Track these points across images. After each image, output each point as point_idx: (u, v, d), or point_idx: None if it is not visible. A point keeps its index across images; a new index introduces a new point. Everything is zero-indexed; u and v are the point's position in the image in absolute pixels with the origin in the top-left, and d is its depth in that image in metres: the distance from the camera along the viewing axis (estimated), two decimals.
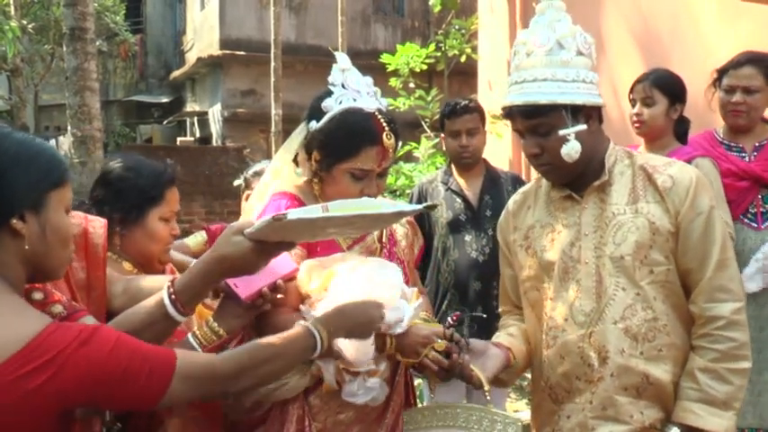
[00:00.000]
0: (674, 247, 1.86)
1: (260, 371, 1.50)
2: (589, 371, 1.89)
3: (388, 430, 2.03)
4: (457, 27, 8.79)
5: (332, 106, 1.97)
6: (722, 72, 3.05)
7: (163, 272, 2.20)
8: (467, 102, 3.66)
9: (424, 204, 1.70)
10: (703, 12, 5.15)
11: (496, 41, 7.46)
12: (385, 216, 1.66)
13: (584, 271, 1.91)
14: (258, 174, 3.18)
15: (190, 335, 1.75)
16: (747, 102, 2.96)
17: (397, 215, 1.72)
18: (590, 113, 1.90)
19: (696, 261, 1.85)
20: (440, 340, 1.92)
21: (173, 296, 1.53)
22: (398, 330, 1.88)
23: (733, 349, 1.81)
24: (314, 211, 1.59)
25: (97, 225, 1.86)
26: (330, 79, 2.02)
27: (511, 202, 2.18)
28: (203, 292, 1.59)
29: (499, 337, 2.09)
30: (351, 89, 1.99)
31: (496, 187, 3.67)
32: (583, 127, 1.85)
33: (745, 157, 3.02)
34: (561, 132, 1.84)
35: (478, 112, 3.65)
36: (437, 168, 4.15)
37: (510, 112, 1.93)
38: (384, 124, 1.96)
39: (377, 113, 1.97)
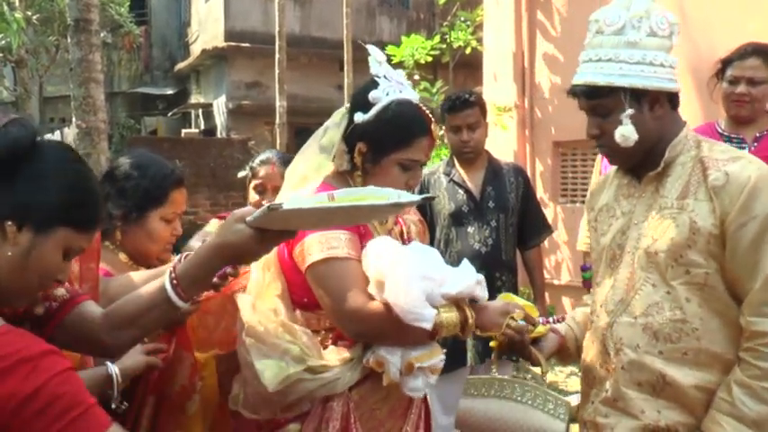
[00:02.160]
0: (717, 250, 1.74)
1: None
2: (608, 359, 1.88)
3: (413, 426, 2.03)
4: (462, 19, 8.76)
5: (380, 97, 1.95)
6: (726, 63, 3.03)
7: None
8: (467, 96, 3.64)
9: (423, 196, 1.66)
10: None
11: (502, 33, 7.43)
12: (382, 207, 1.63)
13: (625, 260, 1.88)
14: (264, 162, 3.12)
15: None
16: (751, 93, 2.96)
17: (394, 206, 1.67)
18: (656, 98, 1.81)
19: (745, 269, 1.71)
20: (535, 327, 2.00)
21: (174, 281, 1.51)
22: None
23: None
24: (312, 200, 1.57)
25: None
26: (373, 71, 2.00)
27: (593, 183, 2.16)
28: (205, 278, 1.56)
29: (564, 321, 2.16)
30: (395, 81, 1.98)
31: (499, 178, 3.66)
32: (630, 111, 1.78)
33: (745, 148, 3.00)
34: (619, 115, 1.79)
35: (479, 105, 3.64)
36: (441, 159, 4.14)
37: (573, 91, 1.88)
38: (431, 116, 1.98)
39: (423, 107, 1.98)
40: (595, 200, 2.07)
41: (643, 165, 1.88)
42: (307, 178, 2.00)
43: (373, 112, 1.94)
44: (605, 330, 1.89)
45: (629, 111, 1.78)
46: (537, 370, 2.08)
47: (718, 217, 1.73)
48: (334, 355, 1.89)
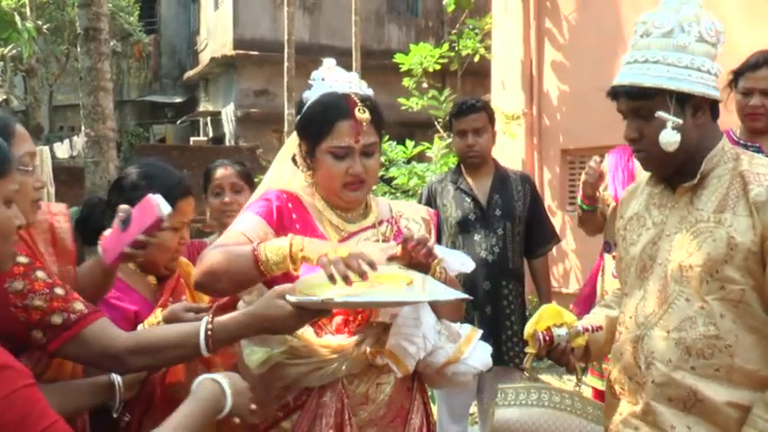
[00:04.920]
0: (755, 266, 1.70)
1: None
2: (639, 373, 1.84)
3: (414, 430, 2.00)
4: (471, 27, 8.75)
5: (309, 96, 2.03)
6: (738, 74, 3.00)
7: (168, 278, 2.20)
8: (474, 101, 3.67)
9: (457, 297, 1.73)
10: (728, 9, 5.12)
11: (510, 41, 7.43)
12: (420, 301, 1.77)
13: (656, 272, 1.84)
14: (218, 165, 3.26)
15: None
16: (766, 104, 2.92)
17: (430, 300, 1.81)
18: (699, 105, 1.77)
19: None
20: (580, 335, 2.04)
21: (209, 332, 1.61)
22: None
23: None
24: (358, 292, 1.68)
25: (62, 219, 1.87)
26: (311, 75, 2.08)
27: (624, 191, 2.13)
28: (236, 338, 1.72)
29: (588, 320, 2.12)
30: (329, 79, 2.04)
31: (506, 186, 3.66)
32: (679, 120, 1.74)
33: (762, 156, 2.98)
34: (657, 114, 1.75)
35: (486, 111, 3.65)
36: (450, 168, 4.14)
37: (615, 92, 1.83)
38: (357, 101, 1.97)
39: (351, 94, 1.99)
40: (625, 208, 2.03)
41: (678, 175, 1.84)
42: (278, 183, 2.09)
43: (303, 110, 2.03)
44: (636, 343, 1.85)
45: (678, 120, 1.74)
46: (546, 378, 2.09)
47: (759, 233, 1.69)
48: (326, 342, 1.89)
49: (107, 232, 1.92)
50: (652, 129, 1.78)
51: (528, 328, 2.04)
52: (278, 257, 1.73)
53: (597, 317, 2.12)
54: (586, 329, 2.03)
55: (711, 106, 1.82)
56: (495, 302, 3.52)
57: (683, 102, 1.75)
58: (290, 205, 2.00)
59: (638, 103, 1.79)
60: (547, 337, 2.00)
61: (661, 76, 1.74)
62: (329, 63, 2.07)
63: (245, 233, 1.88)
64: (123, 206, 1.88)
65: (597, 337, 2.07)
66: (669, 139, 1.74)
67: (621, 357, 1.90)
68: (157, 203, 1.80)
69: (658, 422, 1.78)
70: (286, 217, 1.97)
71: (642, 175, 2.05)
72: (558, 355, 2.01)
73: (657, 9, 1.83)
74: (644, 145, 1.82)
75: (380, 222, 2.07)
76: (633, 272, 1.91)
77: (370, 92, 2.05)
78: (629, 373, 1.87)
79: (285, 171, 2.12)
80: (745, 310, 1.72)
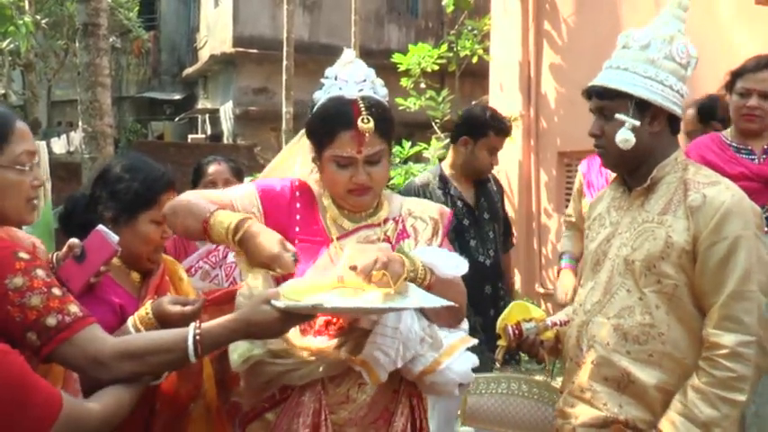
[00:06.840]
0: (687, 264, 1.90)
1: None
2: (580, 354, 2.03)
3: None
4: (469, 28, 8.77)
5: (319, 97, 2.00)
6: (736, 75, 3.00)
7: (151, 271, 2.20)
8: (510, 122, 3.75)
9: (443, 305, 1.75)
10: (722, 14, 5.13)
11: (509, 43, 7.44)
12: (408, 308, 1.80)
13: (606, 266, 2.03)
14: (210, 161, 3.28)
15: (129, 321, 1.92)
16: (763, 106, 2.92)
17: (418, 307, 1.83)
18: (657, 114, 1.96)
19: (711, 285, 1.88)
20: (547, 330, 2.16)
21: (197, 337, 1.63)
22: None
23: (730, 380, 1.83)
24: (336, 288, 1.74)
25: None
26: (326, 72, 2.03)
27: (597, 195, 2.31)
28: (223, 344, 1.74)
29: (557, 315, 2.28)
30: (340, 80, 1.99)
31: (486, 190, 3.71)
32: (635, 122, 1.92)
33: (754, 159, 2.97)
34: (617, 116, 1.95)
35: None
36: (430, 172, 4.00)
37: (589, 92, 2.04)
38: (362, 109, 1.92)
39: (358, 99, 1.94)
40: (592, 210, 2.22)
41: (633, 179, 2.04)
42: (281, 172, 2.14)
43: (313, 111, 2.01)
44: (581, 328, 2.04)
45: (634, 121, 1.93)
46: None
47: (692, 235, 1.90)
48: (306, 344, 1.89)
49: (55, 258, 2.05)
50: (611, 128, 1.98)
51: (499, 323, 2.19)
52: (221, 228, 1.83)
53: (567, 312, 2.27)
54: (555, 324, 2.18)
55: (670, 120, 2.00)
56: (497, 305, 3.52)
57: (643, 108, 1.95)
58: (297, 194, 2.02)
59: (603, 102, 2.00)
60: (516, 331, 2.14)
61: (625, 81, 1.95)
62: (348, 56, 2.03)
63: (230, 196, 1.98)
64: (74, 241, 2.02)
65: (566, 330, 2.21)
66: (624, 137, 1.93)
67: (569, 340, 2.09)
68: (107, 234, 2.00)
69: (593, 399, 1.97)
70: (283, 204, 1.98)
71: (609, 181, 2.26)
72: (527, 347, 2.16)
73: (645, 27, 2.03)
74: (602, 141, 2.02)
75: (386, 221, 2.05)
76: (588, 265, 2.11)
77: (383, 92, 2.01)
78: (571, 354, 2.07)
79: (292, 161, 2.13)
80: (677, 303, 1.92)
